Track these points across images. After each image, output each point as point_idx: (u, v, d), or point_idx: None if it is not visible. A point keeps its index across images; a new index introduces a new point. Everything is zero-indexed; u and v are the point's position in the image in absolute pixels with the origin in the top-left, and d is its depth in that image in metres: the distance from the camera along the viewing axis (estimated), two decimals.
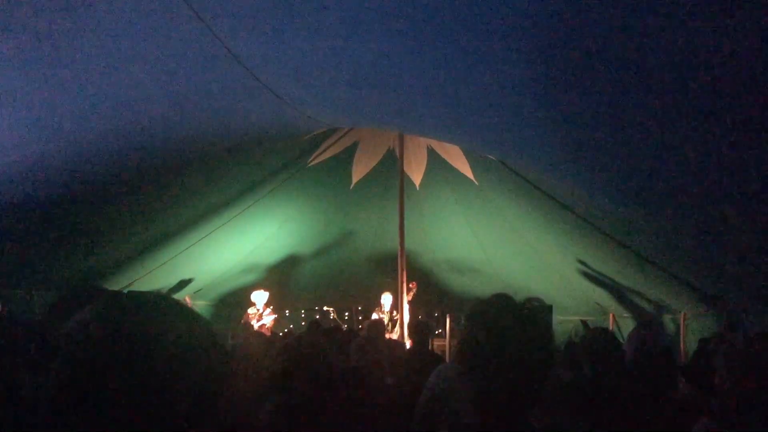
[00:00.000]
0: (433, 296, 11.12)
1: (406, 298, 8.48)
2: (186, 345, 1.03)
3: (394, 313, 9.53)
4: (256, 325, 9.27)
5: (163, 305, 1.09)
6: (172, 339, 1.01)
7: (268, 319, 9.53)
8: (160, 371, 0.98)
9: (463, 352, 1.65)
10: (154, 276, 9.25)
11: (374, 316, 9.76)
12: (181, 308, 1.10)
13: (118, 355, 0.97)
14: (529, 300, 1.72)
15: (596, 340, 3.18)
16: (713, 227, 5.18)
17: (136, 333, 1.00)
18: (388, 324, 9.36)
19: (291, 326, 11.00)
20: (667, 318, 9.13)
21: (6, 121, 4.33)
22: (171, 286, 9.88)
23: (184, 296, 10.40)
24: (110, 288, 8.67)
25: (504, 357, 1.55)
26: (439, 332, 10.97)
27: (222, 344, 1.13)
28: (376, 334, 5.65)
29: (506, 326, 1.61)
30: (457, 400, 1.68)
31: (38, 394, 3.23)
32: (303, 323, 11.03)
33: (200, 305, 10.88)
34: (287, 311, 11.65)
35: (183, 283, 10.10)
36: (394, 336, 8.57)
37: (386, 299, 9.81)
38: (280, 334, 9.31)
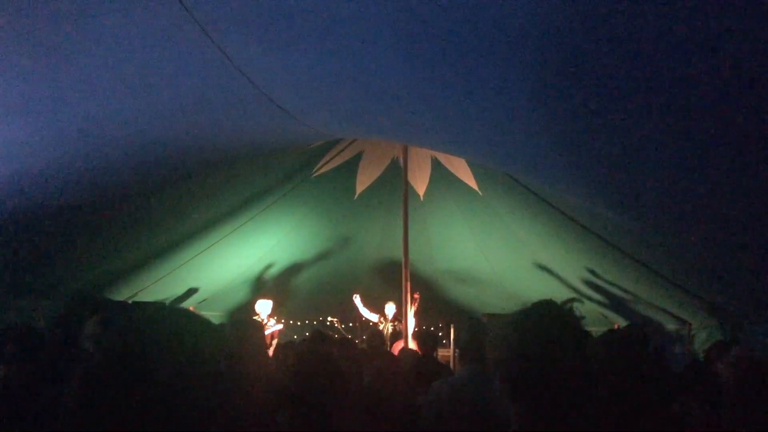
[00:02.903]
0: (437, 307, 11.10)
1: (411, 309, 8.47)
2: (199, 356, 1.02)
3: (396, 323, 9.55)
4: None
5: (178, 317, 1.09)
6: (187, 351, 1.01)
7: (275, 329, 9.51)
8: (177, 381, 0.98)
9: (511, 364, 1.56)
10: (159, 286, 9.26)
11: (366, 312, 9.91)
12: (194, 319, 1.10)
13: (136, 367, 0.97)
14: (571, 301, 1.64)
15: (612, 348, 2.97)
16: (719, 238, 5.17)
17: (155, 345, 1.00)
18: (388, 334, 9.39)
19: (295, 336, 10.98)
20: (673, 328, 9.11)
21: (9, 133, 4.36)
22: (175, 296, 9.88)
23: (189, 306, 10.40)
24: (114, 298, 8.70)
25: (553, 366, 1.50)
26: (443, 342, 10.96)
27: (233, 353, 1.13)
28: (378, 344, 5.65)
29: (558, 336, 1.54)
30: (504, 410, 1.61)
31: (56, 402, 3.26)
32: (307, 333, 11.04)
33: (205, 316, 10.87)
34: (291, 321, 11.64)
35: (187, 293, 10.11)
36: (397, 345, 8.56)
37: (389, 309, 9.82)
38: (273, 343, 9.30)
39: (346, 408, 2.65)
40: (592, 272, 8.63)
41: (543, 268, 9.47)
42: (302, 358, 2.69)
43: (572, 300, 9.38)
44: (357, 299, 10.07)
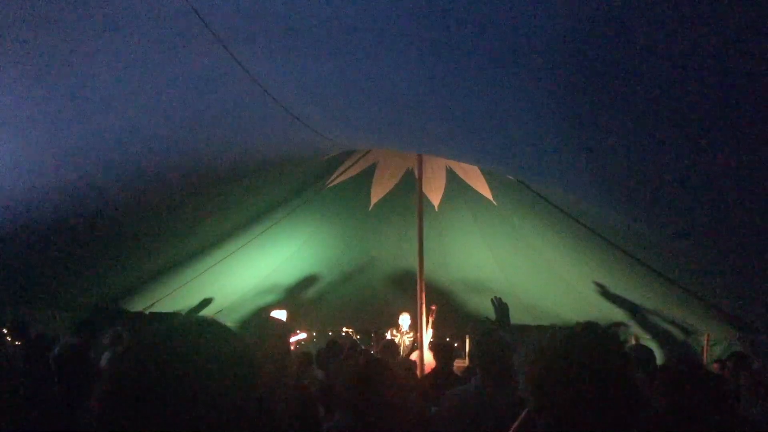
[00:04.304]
0: (452, 317, 11.06)
1: (429, 321, 8.43)
2: (230, 369, 1.01)
3: (410, 334, 9.51)
4: None
5: (208, 329, 1.08)
6: (219, 364, 1.00)
7: (298, 338, 9.52)
8: (207, 395, 0.97)
9: (548, 386, 1.55)
10: (175, 297, 9.30)
11: (387, 336, 9.79)
12: (224, 331, 1.09)
13: (163, 380, 0.95)
14: (617, 325, 1.62)
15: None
16: (739, 248, 5.11)
17: (182, 358, 0.98)
18: (400, 345, 9.35)
19: (310, 346, 10.98)
20: (690, 339, 8.99)
21: (27, 146, 4.42)
22: (191, 307, 9.92)
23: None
24: (131, 310, 8.75)
25: (593, 390, 1.47)
26: (461, 353, 10.95)
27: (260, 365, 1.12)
28: (390, 355, 5.63)
29: (600, 361, 1.51)
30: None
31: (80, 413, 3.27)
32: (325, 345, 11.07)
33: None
34: (305, 333, 11.65)
35: (203, 304, 10.14)
36: (413, 357, 8.52)
37: (404, 320, 9.77)
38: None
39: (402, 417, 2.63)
40: (607, 281, 8.55)
41: (558, 277, 9.40)
42: (365, 367, 2.67)
43: (618, 324, 9.34)
44: (404, 319, 9.93)
